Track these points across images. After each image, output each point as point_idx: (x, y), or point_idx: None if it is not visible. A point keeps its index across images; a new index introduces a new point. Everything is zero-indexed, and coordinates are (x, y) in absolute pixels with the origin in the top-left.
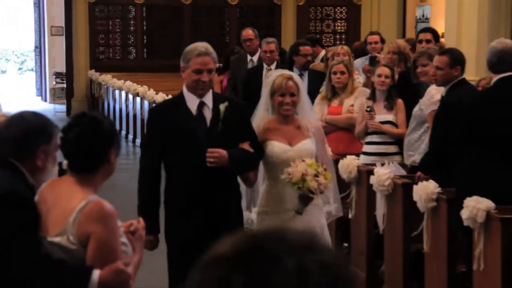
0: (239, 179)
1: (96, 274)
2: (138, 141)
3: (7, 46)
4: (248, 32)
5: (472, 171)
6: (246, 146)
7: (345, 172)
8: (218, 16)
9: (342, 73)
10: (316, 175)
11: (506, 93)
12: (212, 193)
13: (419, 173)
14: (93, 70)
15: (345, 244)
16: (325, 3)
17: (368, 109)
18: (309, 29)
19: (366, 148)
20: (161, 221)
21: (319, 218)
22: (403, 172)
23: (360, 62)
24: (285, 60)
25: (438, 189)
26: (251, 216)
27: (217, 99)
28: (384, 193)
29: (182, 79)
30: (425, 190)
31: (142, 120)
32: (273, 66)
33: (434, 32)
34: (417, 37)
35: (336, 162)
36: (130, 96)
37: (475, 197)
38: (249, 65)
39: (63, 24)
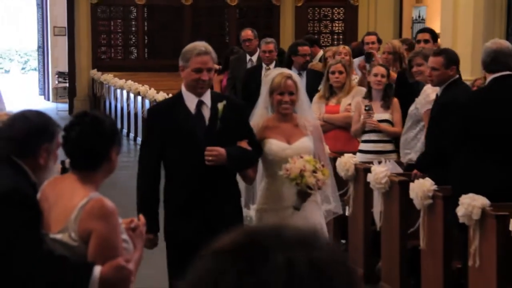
0: (238, 177)
1: (97, 270)
2: (139, 139)
3: (11, 46)
4: (248, 33)
5: (468, 169)
6: (244, 144)
7: (342, 170)
8: (218, 16)
9: (340, 72)
10: (314, 171)
11: (500, 92)
12: (211, 192)
13: (415, 171)
14: (95, 70)
15: (343, 241)
16: (323, 4)
17: (367, 108)
18: (307, 29)
19: (363, 146)
20: (160, 220)
21: (316, 214)
22: (399, 170)
23: (357, 62)
24: (284, 60)
25: (434, 187)
26: (249, 213)
27: (215, 98)
28: (381, 191)
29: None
30: (421, 188)
31: (143, 119)
32: (272, 66)
33: (432, 32)
34: (416, 37)
35: (333, 160)
36: (132, 95)
37: (470, 195)
38: (248, 65)
39: (65, 25)
